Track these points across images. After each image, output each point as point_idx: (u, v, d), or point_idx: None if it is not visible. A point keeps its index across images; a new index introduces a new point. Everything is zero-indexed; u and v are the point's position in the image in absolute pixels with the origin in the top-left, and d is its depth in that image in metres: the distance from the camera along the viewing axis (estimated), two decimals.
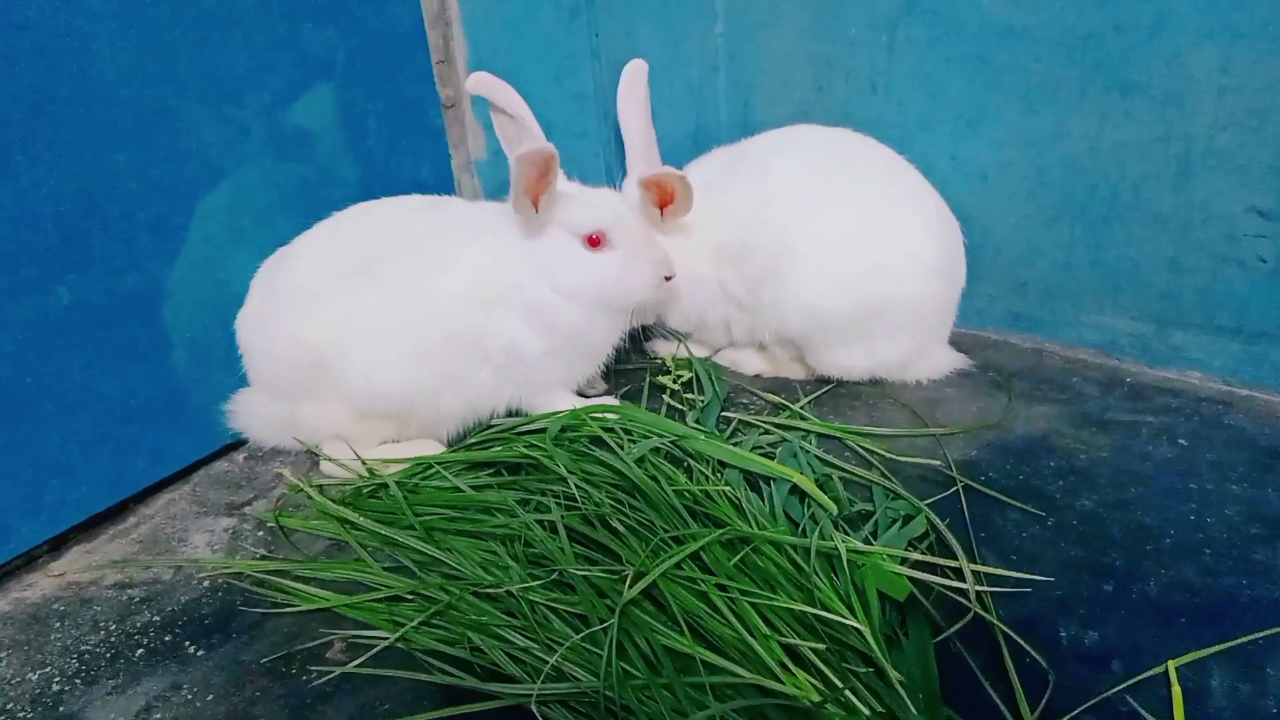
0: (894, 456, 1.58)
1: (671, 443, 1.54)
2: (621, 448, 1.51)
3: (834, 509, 1.36)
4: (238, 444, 1.80)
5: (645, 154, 1.81)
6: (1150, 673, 1.09)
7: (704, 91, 2.13)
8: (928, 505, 1.40)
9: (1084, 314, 1.86)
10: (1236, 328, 1.68)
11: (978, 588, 1.21)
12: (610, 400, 1.79)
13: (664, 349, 2.03)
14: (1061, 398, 1.74)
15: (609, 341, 1.73)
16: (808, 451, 1.56)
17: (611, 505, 1.39)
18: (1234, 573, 1.25)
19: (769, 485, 1.45)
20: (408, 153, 1.96)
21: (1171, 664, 1.09)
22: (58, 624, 1.36)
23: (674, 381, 1.89)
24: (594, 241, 1.60)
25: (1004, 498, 1.45)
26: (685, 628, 1.16)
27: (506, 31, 2.03)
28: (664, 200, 1.73)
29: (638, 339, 1.92)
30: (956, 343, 1.89)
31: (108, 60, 1.45)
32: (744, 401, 1.84)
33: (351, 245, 1.61)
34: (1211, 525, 1.35)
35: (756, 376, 1.95)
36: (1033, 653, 1.13)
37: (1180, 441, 1.57)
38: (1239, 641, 1.13)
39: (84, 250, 1.48)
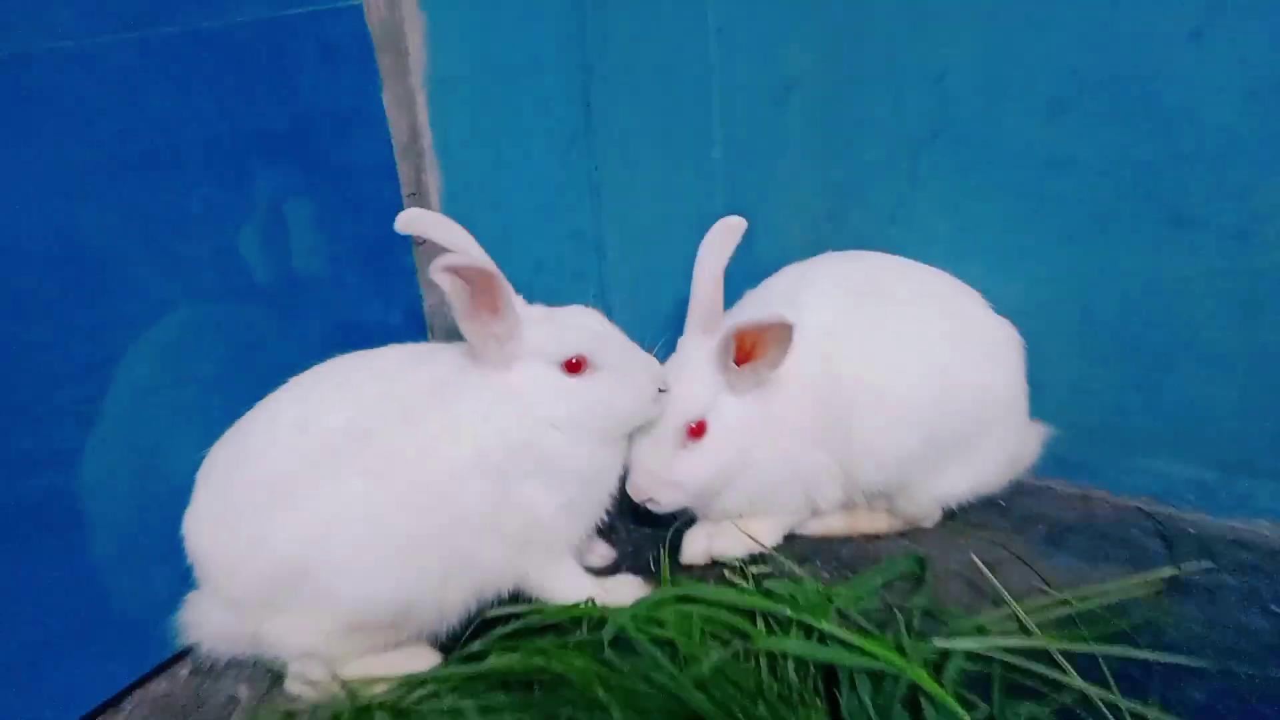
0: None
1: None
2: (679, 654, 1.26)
3: None
4: (180, 655, 1.48)
5: (712, 309, 1.60)
6: None
7: (703, 222, 1.94)
8: None
9: (1137, 458, 1.70)
10: None
11: None
12: (627, 577, 1.56)
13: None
14: (1125, 554, 1.57)
15: (615, 479, 1.52)
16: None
17: None
18: None
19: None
20: (376, 295, 1.71)
21: None
22: None
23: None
24: (573, 367, 1.40)
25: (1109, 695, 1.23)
26: None
27: (488, 162, 1.81)
28: (751, 353, 1.50)
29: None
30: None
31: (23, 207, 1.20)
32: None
33: (321, 420, 1.33)
34: None
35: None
36: None
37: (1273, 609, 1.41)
38: None
39: None
